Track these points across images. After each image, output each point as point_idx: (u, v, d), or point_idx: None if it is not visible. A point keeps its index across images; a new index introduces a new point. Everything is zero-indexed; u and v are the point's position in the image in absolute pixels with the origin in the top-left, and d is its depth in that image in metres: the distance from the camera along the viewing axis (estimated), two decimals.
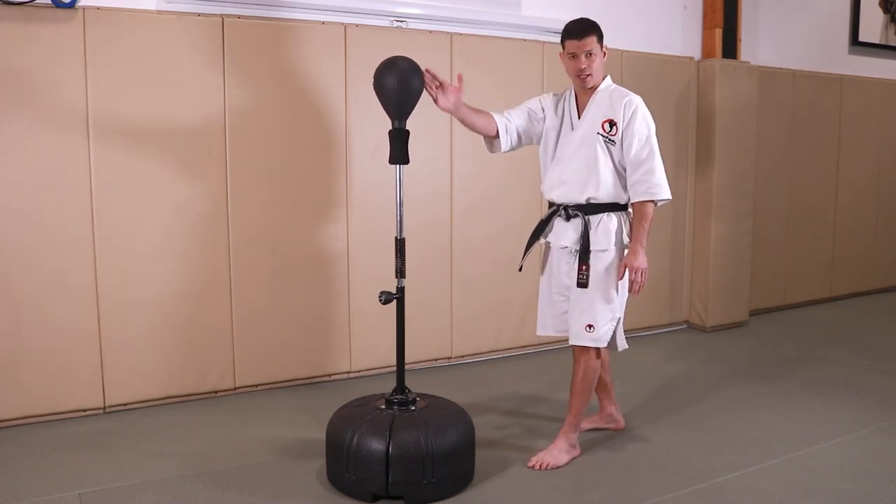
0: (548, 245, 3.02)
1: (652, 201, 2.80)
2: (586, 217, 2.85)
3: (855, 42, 6.05)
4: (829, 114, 5.76)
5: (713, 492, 2.69)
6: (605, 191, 2.84)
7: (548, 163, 2.99)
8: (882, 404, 3.60)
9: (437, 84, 2.78)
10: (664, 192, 2.80)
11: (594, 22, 2.86)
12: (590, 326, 2.84)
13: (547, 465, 2.84)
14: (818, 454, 3.02)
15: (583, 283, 2.83)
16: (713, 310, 5.00)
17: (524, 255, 3.06)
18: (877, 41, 6.20)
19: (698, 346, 4.72)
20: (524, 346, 4.42)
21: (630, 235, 2.85)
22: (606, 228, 2.85)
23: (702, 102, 4.93)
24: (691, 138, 4.96)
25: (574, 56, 2.83)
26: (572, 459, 2.92)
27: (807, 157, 5.65)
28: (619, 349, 2.95)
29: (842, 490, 2.70)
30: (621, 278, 2.82)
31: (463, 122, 2.93)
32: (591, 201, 2.85)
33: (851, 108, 5.87)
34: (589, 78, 2.84)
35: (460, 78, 2.82)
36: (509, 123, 2.95)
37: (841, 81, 5.79)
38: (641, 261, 2.78)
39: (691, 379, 4.01)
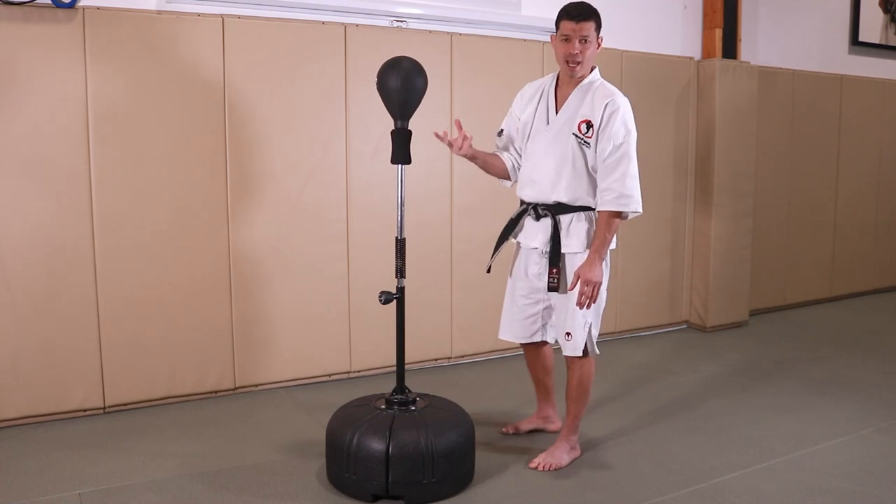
0: (518, 245, 2.93)
1: (618, 214, 2.66)
2: (556, 217, 2.75)
3: (855, 42, 6.05)
4: (829, 114, 5.76)
5: (713, 492, 2.69)
6: (575, 194, 2.72)
7: (522, 155, 2.89)
8: (882, 404, 3.60)
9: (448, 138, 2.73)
10: (634, 205, 2.64)
11: (594, 8, 2.71)
12: (567, 335, 2.78)
13: (550, 466, 2.83)
14: (818, 454, 3.02)
15: (553, 287, 2.75)
16: (713, 310, 5.00)
17: (493, 255, 2.97)
18: (877, 41, 6.20)
19: (698, 346, 4.72)
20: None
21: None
22: (578, 231, 2.74)
23: (702, 102, 4.93)
24: (691, 138, 4.96)
25: (567, 39, 2.67)
26: (573, 460, 2.91)
27: (807, 157, 5.65)
28: (590, 354, 2.84)
29: (842, 490, 2.70)
30: (572, 289, 2.70)
31: (483, 165, 2.90)
32: (561, 203, 2.75)
33: (851, 108, 5.87)
34: (578, 66, 2.69)
35: (458, 123, 2.77)
36: (514, 160, 2.95)
37: (841, 81, 5.79)
38: (596, 274, 2.65)
39: (691, 379, 4.01)
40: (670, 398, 3.69)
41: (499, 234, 2.98)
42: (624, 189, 2.64)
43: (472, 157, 2.83)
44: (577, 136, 2.71)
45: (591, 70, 2.78)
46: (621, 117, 2.65)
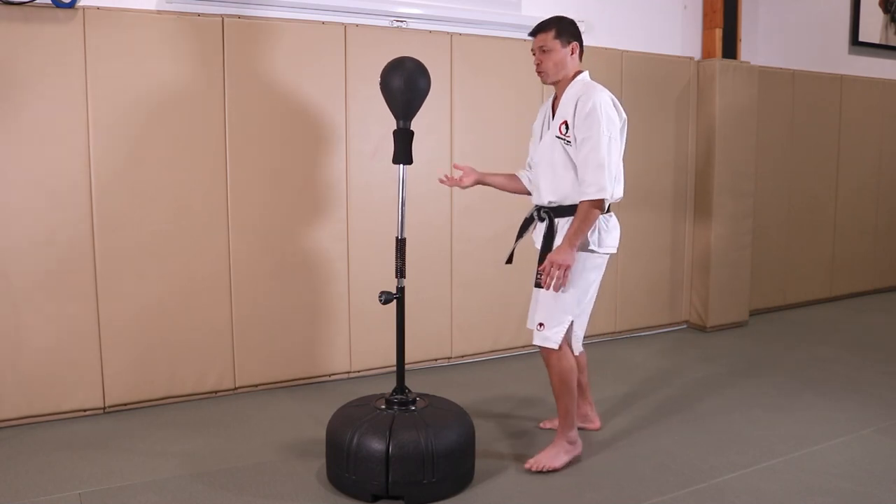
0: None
1: (594, 204, 2.67)
2: (553, 220, 2.83)
3: (855, 42, 6.05)
4: (829, 114, 5.76)
5: (713, 492, 2.69)
6: (562, 193, 2.79)
7: None
8: (882, 404, 3.60)
9: (451, 179, 3.03)
10: (602, 192, 2.65)
11: (557, 18, 2.82)
12: (540, 325, 2.81)
13: (544, 468, 2.82)
14: (818, 454, 3.02)
15: (539, 284, 2.79)
16: (713, 310, 5.01)
17: (511, 251, 3.08)
18: (877, 41, 6.20)
19: (698, 346, 4.72)
20: (524, 347, 4.42)
21: (595, 240, 2.77)
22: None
23: (702, 102, 4.93)
24: (691, 138, 4.96)
25: (533, 53, 2.84)
26: (571, 460, 2.90)
27: (807, 157, 5.65)
28: (575, 353, 2.87)
29: (842, 490, 2.70)
30: (540, 269, 2.75)
31: (499, 186, 3.15)
32: (554, 204, 2.83)
33: (851, 108, 5.88)
34: (543, 75, 2.83)
35: (456, 166, 3.10)
36: (531, 175, 3.06)
37: (841, 81, 5.79)
38: (564, 258, 2.68)
39: (691, 379, 4.01)
40: (670, 398, 3.69)
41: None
42: (592, 177, 2.66)
43: (482, 183, 3.12)
44: (559, 137, 2.79)
45: (577, 74, 2.84)
46: (591, 108, 2.66)
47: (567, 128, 2.76)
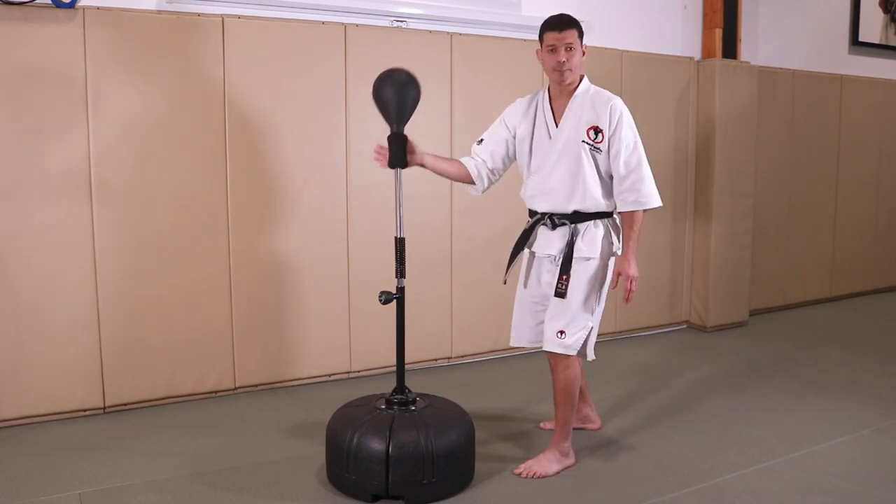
0: (532, 254, 2.94)
1: (643, 211, 2.76)
2: (573, 225, 2.78)
3: (855, 42, 6.05)
4: (829, 114, 5.76)
5: (713, 492, 2.69)
6: (591, 201, 2.76)
7: (525, 171, 2.91)
8: (882, 404, 3.60)
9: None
10: (654, 201, 2.75)
11: (575, 18, 2.77)
12: (561, 332, 2.76)
13: (534, 474, 2.79)
14: (818, 454, 3.02)
15: (560, 293, 2.75)
16: (713, 310, 5.00)
17: (508, 267, 2.98)
18: (877, 41, 6.21)
19: (698, 346, 4.72)
20: (524, 347, 4.41)
21: (619, 243, 2.81)
22: (592, 237, 2.77)
23: (702, 102, 4.93)
24: (691, 138, 4.96)
25: (553, 49, 2.71)
26: (564, 469, 2.85)
27: (807, 157, 5.65)
28: (588, 358, 2.86)
29: (842, 490, 2.70)
30: (615, 287, 2.77)
31: (437, 172, 2.92)
32: (578, 211, 2.78)
33: (851, 108, 5.88)
34: (568, 72, 2.72)
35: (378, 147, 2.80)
36: (480, 166, 2.92)
37: (841, 81, 5.79)
38: (634, 269, 2.74)
39: (691, 379, 4.01)
40: (670, 398, 3.69)
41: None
42: (643, 188, 2.73)
43: (420, 164, 2.82)
44: (587, 143, 2.74)
45: (581, 79, 2.81)
46: (627, 121, 2.73)
47: (596, 133, 2.72)
